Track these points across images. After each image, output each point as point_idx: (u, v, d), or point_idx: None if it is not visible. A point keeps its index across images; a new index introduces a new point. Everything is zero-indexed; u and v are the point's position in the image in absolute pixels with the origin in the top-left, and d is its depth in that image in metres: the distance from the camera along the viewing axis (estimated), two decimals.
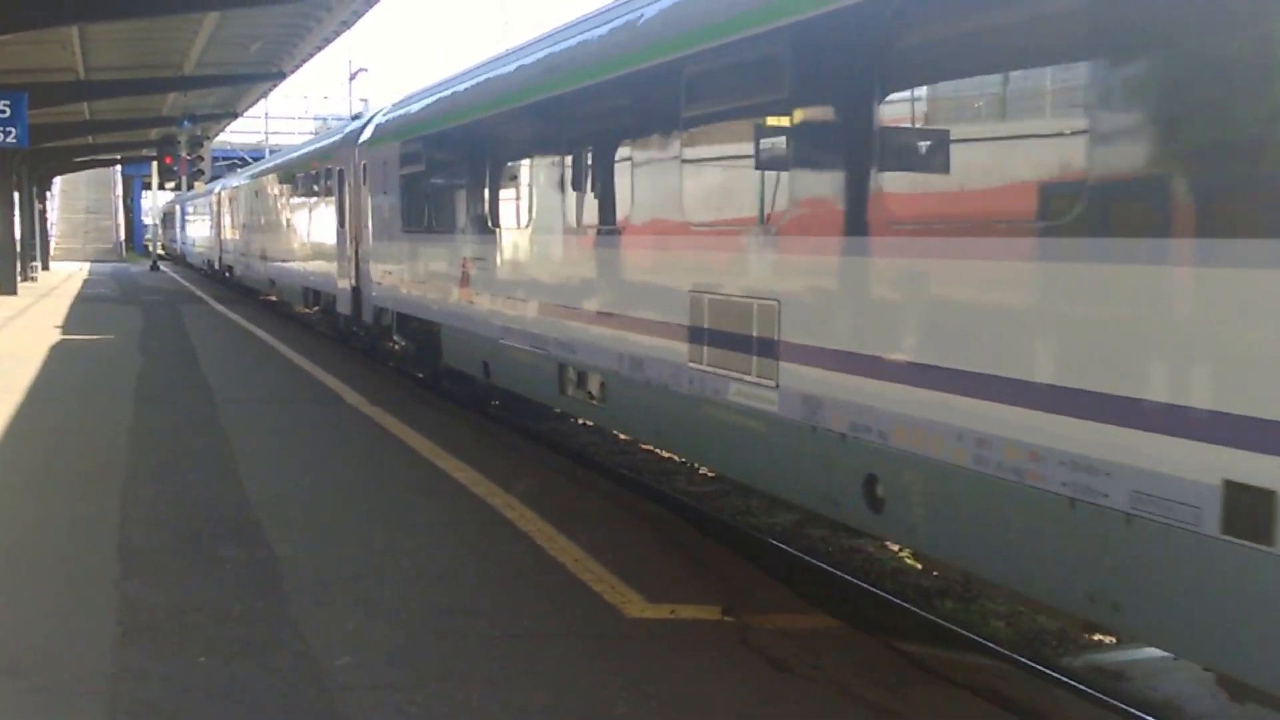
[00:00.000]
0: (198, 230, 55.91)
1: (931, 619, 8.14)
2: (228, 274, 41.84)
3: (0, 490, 9.81)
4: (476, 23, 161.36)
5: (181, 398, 14.91)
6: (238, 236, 38.41)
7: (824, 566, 9.34)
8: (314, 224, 24.48)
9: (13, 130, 22.72)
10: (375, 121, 18.96)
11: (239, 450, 11.51)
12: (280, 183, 29.54)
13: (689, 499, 11.50)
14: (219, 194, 44.41)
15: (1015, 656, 7.49)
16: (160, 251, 68.89)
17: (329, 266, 22.38)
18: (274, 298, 32.81)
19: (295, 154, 29.40)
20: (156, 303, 33.61)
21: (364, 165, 18.84)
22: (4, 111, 22.54)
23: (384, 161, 17.29)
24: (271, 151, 60.43)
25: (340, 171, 21.01)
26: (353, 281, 20.04)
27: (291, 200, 27.73)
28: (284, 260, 28.81)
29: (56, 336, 22.57)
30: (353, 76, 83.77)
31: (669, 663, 6.16)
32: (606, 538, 8.46)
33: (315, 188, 24.21)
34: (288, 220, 28.31)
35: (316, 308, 25.43)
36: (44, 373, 17.04)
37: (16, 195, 38.03)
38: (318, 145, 25.48)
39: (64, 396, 14.88)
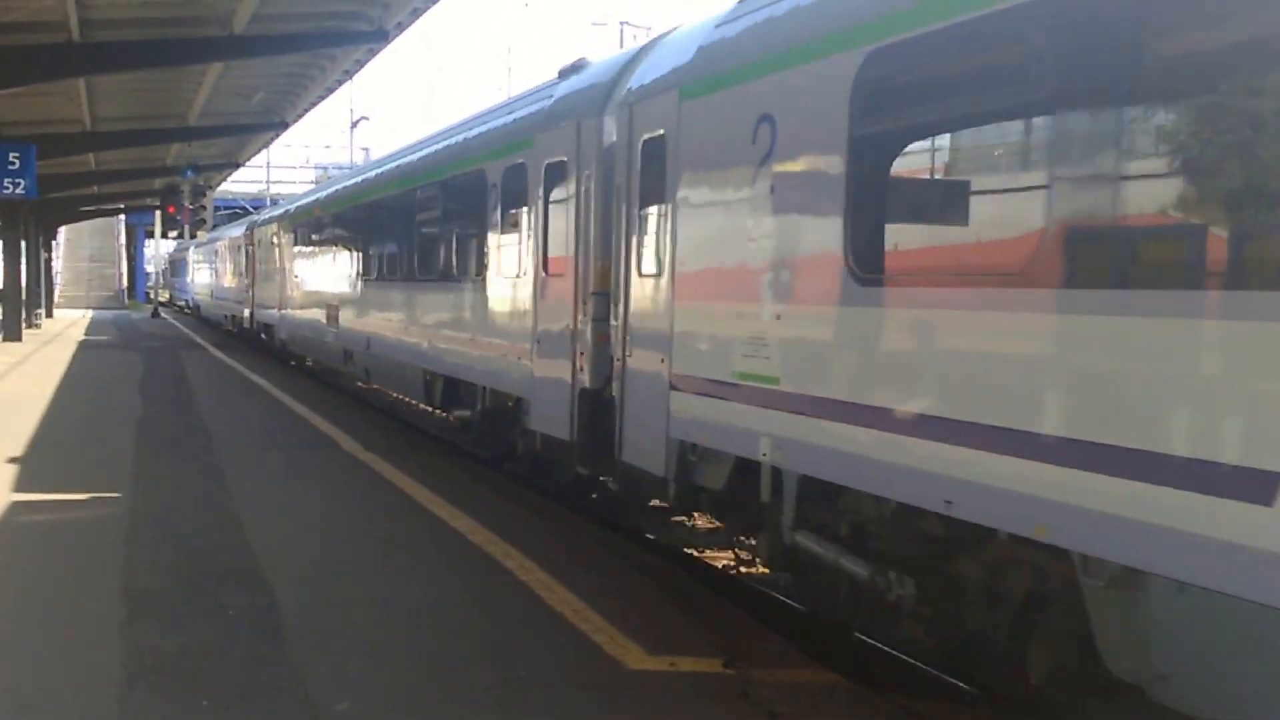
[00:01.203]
0: (216, 278, 46.14)
1: (934, 673, 8.14)
2: (263, 335, 32.63)
3: (8, 533, 9.81)
4: (478, 72, 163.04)
5: (181, 443, 14.96)
6: (285, 287, 28.38)
7: (824, 620, 9.32)
8: (464, 267, 14.96)
9: (21, 181, 23.00)
10: (700, 42, 9.03)
11: (238, 496, 11.56)
12: (378, 205, 19.41)
13: (687, 549, 11.51)
14: (251, 232, 35.19)
15: (1018, 712, 7.48)
16: (162, 299, 69.13)
17: (509, 345, 12.90)
18: (337, 368, 23.84)
19: (417, 154, 18.01)
20: (156, 349, 33.77)
21: (644, 146, 9.59)
22: (14, 163, 22.84)
23: (757, 119, 7.73)
24: (273, 201, 60.55)
25: (547, 169, 11.89)
26: (585, 376, 10.84)
27: (404, 231, 17.80)
28: (388, 328, 18.32)
29: (59, 381, 22.62)
30: (354, 125, 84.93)
31: (670, 716, 6.17)
32: (605, 587, 8.48)
33: (465, 206, 14.79)
34: (397, 264, 18.18)
35: (458, 413, 15.72)
36: (47, 417, 17.09)
37: (23, 244, 38.39)
38: (483, 129, 14.93)
39: (68, 441, 14.90)
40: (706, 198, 8.57)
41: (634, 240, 9.86)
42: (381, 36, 20.80)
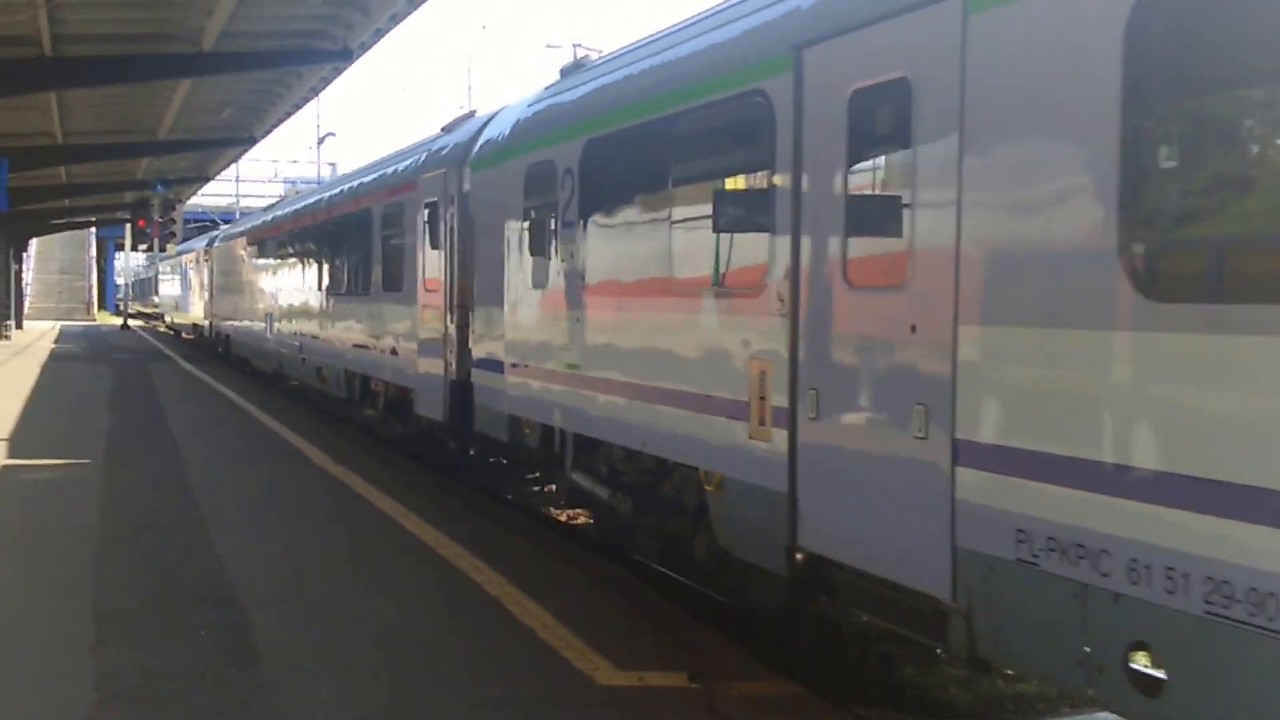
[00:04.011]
0: (278, 294, 26.06)
1: (894, 684, 8.27)
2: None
3: None
4: (440, 88, 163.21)
5: (151, 457, 14.95)
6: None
7: (786, 631, 9.42)
8: None
9: None
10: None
11: (209, 510, 11.58)
12: None
13: (652, 562, 11.57)
14: (446, 180, 14.41)
15: None
16: (135, 314, 68.61)
17: None
18: None
19: None
20: (125, 360, 33.63)
21: None
22: None
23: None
24: (242, 214, 60.05)
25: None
26: None
27: None
28: None
29: (28, 396, 22.54)
30: (321, 141, 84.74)
31: None
32: (573, 602, 8.56)
33: None
34: None
35: None
36: (16, 433, 17.05)
37: None
38: None
39: (38, 455, 14.86)
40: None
41: None
42: (346, 55, 21.00)
